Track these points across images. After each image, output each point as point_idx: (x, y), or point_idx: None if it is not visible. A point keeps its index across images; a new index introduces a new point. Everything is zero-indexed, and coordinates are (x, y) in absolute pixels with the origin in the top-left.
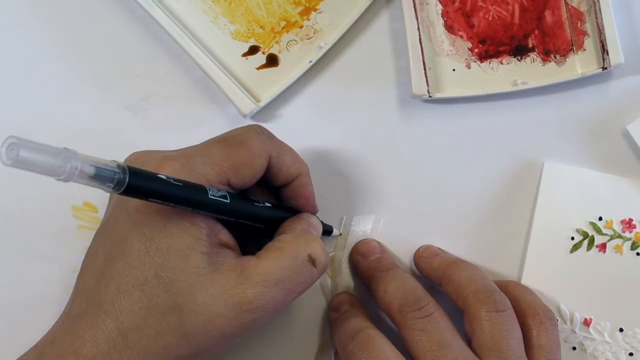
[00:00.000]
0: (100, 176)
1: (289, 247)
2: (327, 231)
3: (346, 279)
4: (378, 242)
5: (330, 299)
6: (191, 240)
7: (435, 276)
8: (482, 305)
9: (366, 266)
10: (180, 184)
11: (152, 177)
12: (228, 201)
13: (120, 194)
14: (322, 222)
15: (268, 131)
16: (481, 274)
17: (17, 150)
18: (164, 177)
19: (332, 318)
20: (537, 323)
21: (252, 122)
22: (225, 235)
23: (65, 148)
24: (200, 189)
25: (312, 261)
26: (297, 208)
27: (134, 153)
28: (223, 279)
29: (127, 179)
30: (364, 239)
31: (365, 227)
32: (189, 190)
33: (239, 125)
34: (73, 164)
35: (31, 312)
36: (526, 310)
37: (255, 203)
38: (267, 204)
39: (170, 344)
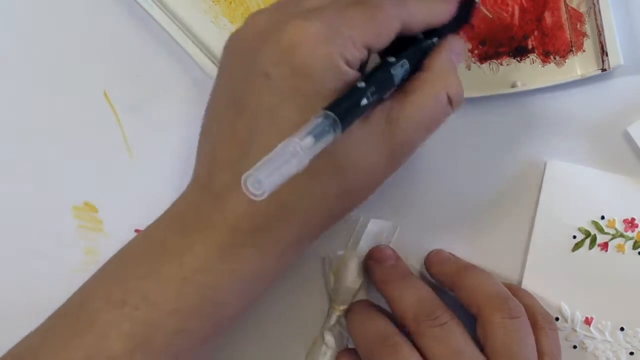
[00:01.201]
0: (320, 138)
1: (429, 88)
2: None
3: (350, 279)
4: (393, 250)
5: (332, 296)
6: None
7: (447, 281)
8: (496, 312)
9: (381, 272)
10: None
11: (354, 101)
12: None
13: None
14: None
15: None
16: (494, 279)
17: (258, 179)
18: (362, 87)
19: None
20: (537, 328)
21: None
22: None
23: (281, 146)
24: (385, 69)
25: (450, 101)
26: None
27: (250, 17)
28: (371, 129)
29: (340, 124)
30: (379, 245)
31: (380, 231)
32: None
33: None
34: (297, 148)
35: (31, 312)
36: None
37: (396, 64)
38: (405, 61)
39: (331, 207)
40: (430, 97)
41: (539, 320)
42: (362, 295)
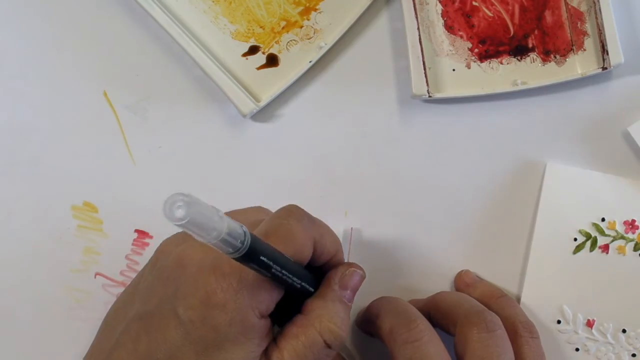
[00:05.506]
0: (228, 241)
1: (306, 333)
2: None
3: None
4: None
5: None
6: (244, 356)
7: (423, 307)
8: (473, 327)
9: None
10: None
11: (265, 244)
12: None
13: (236, 258)
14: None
15: (307, 214)
16: (467, 296)
17: (186, 208)
18: (272, 246)
19: None
20: (517, 337)
21: (252, 123)
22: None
23: (214, 208)
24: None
25: (329, 345)
26: None
27: (169, 244)
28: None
29: (248, 245)
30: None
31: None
32: (287, 259)
33: (238, 125)
34: (220, 227)
35: (31, 312)
36: (505, 325)
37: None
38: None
39: None
40: (306, 343)
41: (519, 329)
42: None
